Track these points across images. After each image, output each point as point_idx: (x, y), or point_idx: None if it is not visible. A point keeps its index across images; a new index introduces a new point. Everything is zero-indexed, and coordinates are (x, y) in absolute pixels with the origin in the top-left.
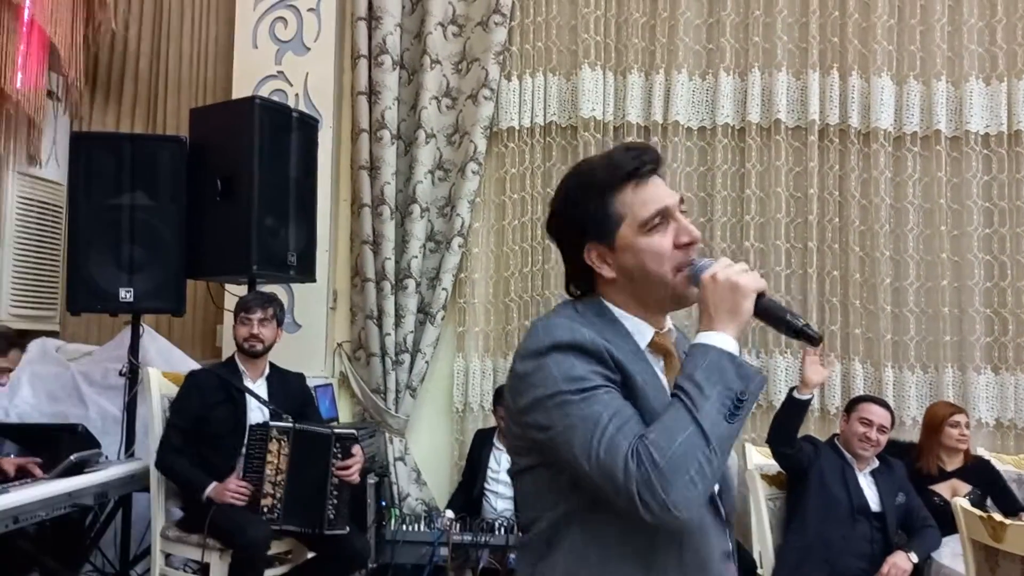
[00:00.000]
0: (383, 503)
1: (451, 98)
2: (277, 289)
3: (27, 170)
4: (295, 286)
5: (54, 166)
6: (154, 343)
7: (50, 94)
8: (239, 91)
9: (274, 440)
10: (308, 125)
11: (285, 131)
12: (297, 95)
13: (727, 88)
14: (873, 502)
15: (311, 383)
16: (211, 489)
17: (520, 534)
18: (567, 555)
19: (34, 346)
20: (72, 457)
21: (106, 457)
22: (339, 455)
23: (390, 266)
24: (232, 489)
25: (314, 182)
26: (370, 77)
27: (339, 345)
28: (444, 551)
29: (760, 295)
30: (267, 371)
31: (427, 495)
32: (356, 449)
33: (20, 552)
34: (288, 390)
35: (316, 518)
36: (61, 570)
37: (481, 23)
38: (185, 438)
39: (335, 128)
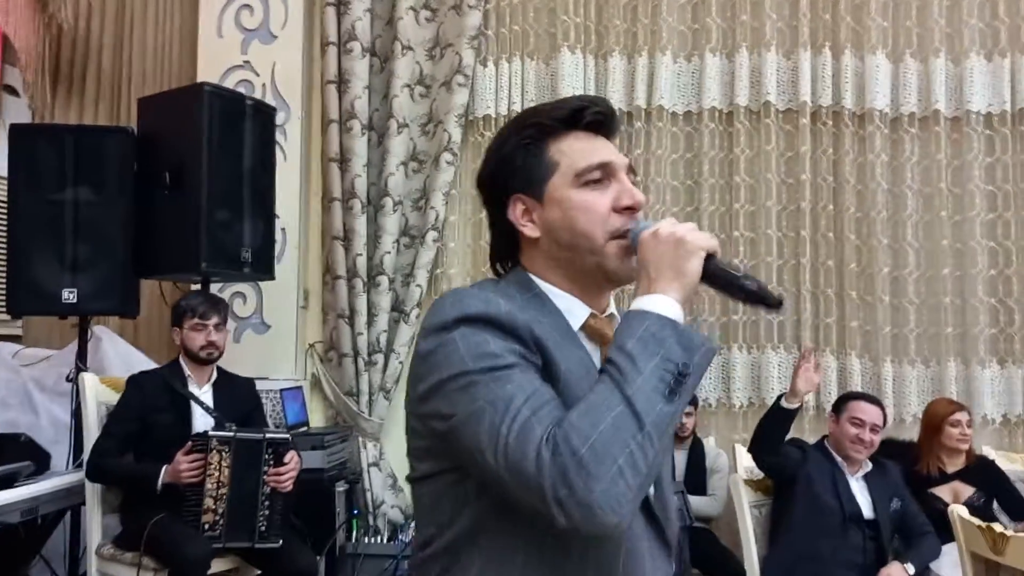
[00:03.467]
0: (355, 511)
1: (424, 86)
2: (244, 288)
3: None
4: (264, 285)
5: None
6: (114, 346)
7: (8, 88)
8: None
9: (215, 451)
10: (264, 113)
11: (238, 120)
12: (264, 85)
13: (713, 70)
14: (866, 509)
15: (280, 385)
16: (164, 473)
17: (416, 552)
18: (475, 572)
19: None
20: None
21: (64, 466)
22: (271, 462)
23: (362, 262)
24: (184, 466)
25: (272, 174)
26: (340, 65)
27: (311, 346)
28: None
29: (710, 256)
30: (214, 376)
31: (403, 501)
32: (290, 455)
33: None
34: (236, 396)
35: (249, 531)
36: None
37: (455, 7)
38: (125, 446)
39: (304, 119)
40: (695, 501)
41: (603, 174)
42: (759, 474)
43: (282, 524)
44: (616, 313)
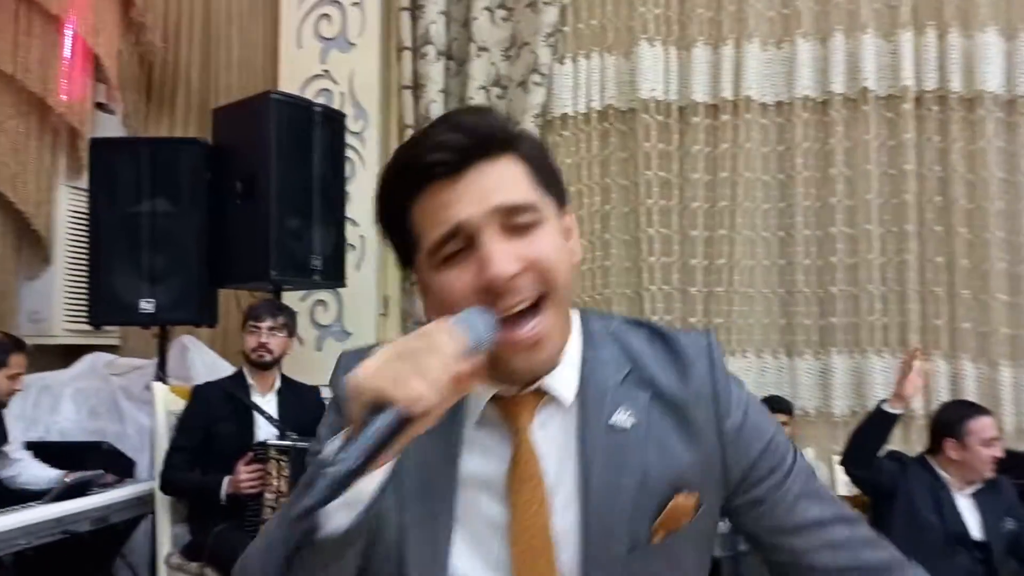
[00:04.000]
0: None
1: (501, 87)
2: (325, 296)
3: (75, 182)
4: (344, 293)
5: None
6: (201, 356)
7: (102, 106)
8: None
9: (273, 461)
10: (334, 121)
11: (307, 127)
12: (343, 93)
13: (805, 56)
14: (975, 529)
15: None
16: (227, 484)
17: None
18: None
19: (83, 361)
20: (67, 479)
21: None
22: None
23: None
24: (243, 476)
25: (342, 181)
26: (415, 70)
27: None
28: None
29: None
30: (278, 384)
31: None
32: None
33: None
34: (300, 404)
35: None
36: None
37: (530, 4)
38: (191, 457)
39: (382, 125)
40: None
41: (462, 242)
42: (857, 490)
43: None
44: (559, 388)
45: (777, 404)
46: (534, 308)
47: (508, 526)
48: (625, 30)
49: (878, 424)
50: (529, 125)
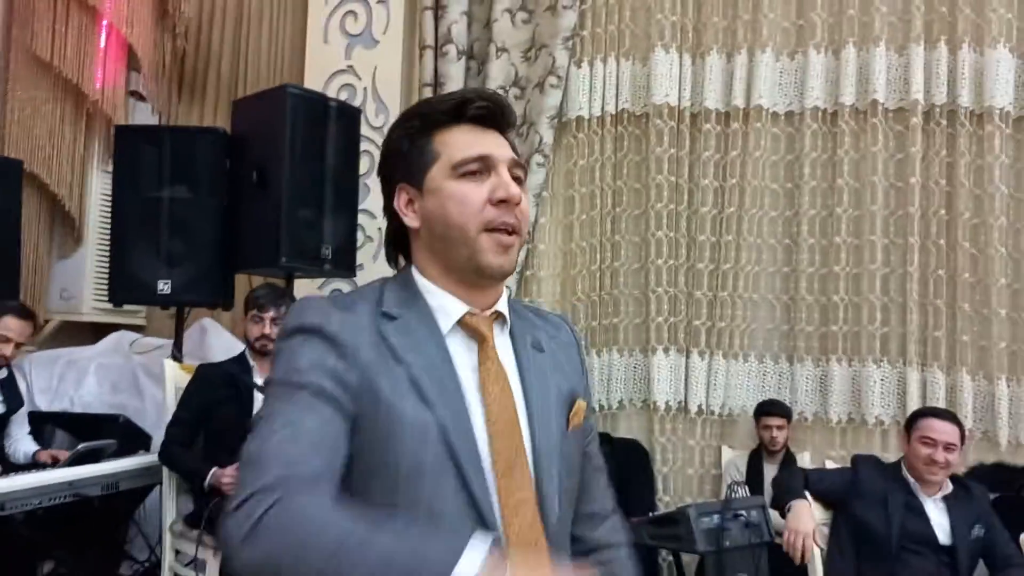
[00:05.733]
0: None
1: (519, 87)
2: (341, 285)
3: (107, 167)
4: (360, 282)
5: None
6: (218, 338)
7: (135, 94)
8: (310, 87)
9: None
10: (348, 115)
11: (322, 121)
12: (366, 89)
13: (817, 67)
14: (942, 534)
15: None
16: (211, 476)
17: None
18: None
19: (108, 339)
20: (80, 447)
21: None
22: None
23: None
24: (229, 475)
25: (356, 174)
26: (436, 68)
27: None
28: None
29: None
30: None
31: None
32: None
33: (29, 540)
34: None
35: None
36: (68, 558)
37: (550, 7)
38: (191, 432)
39: None
40: (779, 519)
41: (482, 166)
42: None
43: None
44: (504, 311)
45: (776, 408)
46: (512, 232)
47: (485, 412)
48: (642, 36)
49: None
50: (545, 126)
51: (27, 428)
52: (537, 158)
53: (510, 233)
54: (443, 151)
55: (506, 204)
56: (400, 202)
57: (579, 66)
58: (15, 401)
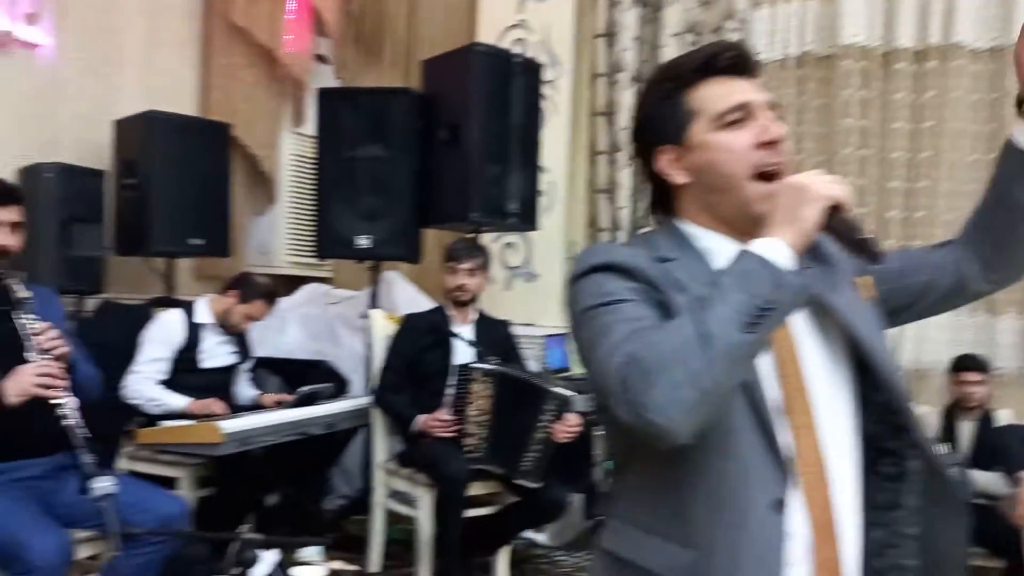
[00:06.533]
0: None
1: (695, 33)
2: (514, 239)
3: (297, 128)
4: (533, 236)
5: None
6: (403, 290)
7: (320, 58)
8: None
9: (478, 381)
10: (532, 71)
11: (507, 77)
12: (538, 42)
13: None
14: None
15: (545, 332)
16: (419, 421)
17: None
18: (623, 510)
19: (304, 290)
20: (302, 389)
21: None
22: (552, 412)
23: (625, 215)
24: (437, 420)
25: (537, 129)
26: (609, 18)
27: None
28: None
29: (836, 208)
30: (474, 317)
31: None
32: (573, 415)
33: (260, 474)
34: (494, 336)
35: (513, 463)
36: (291, 491)
37: None
38: (400, 377)
39: (574, 73)
40: (982, 477)
41: (742, 114)
42: None
43: (546, 468)
44: None
45: (972, 363)
46: (778, 173)
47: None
48: None
49: None
50: None
51: (249, 375)
52: None
53: (775, 176)
54: (701, 106)
55: (772, 145)
56: (661, 163)
57: (759, 7)
58: (245, 354)
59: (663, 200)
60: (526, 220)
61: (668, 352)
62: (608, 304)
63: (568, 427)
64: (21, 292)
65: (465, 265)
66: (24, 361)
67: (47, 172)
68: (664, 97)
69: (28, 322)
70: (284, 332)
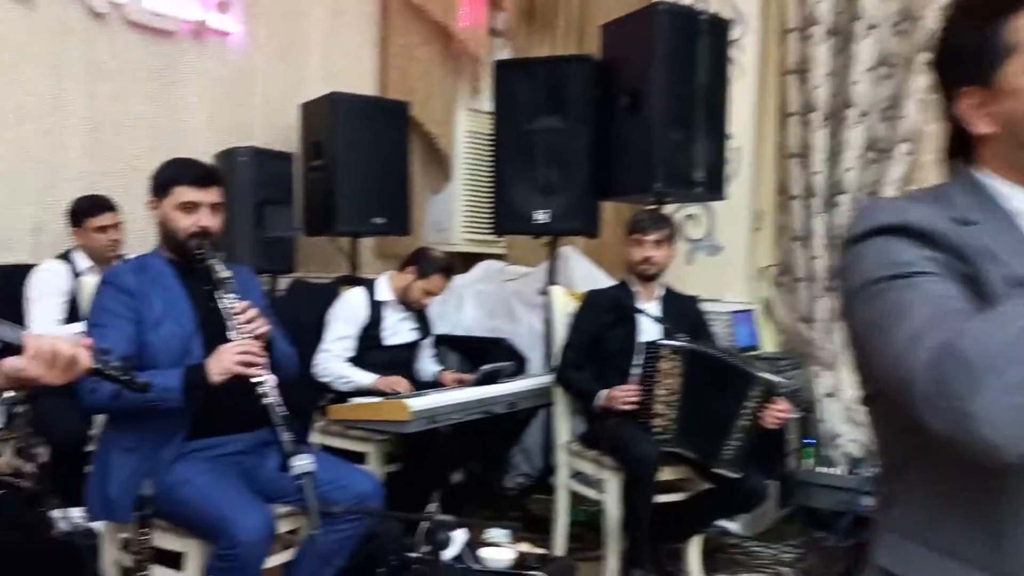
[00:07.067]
0: (810, 440)
1: None
2: (696, 210)
3: (472, 104)
4: (716, 206)
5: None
6: (579, 265)
7: (494, 31)
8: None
9: (667, 359)
10: (719, 28)
11: (693, 37)
12: None
13: None
14: None
15: (731, 308)
16: (602, 396)
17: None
18: (902, 523)
19: (480, 267)
20: (483, 367)
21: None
22: (757, 399)
23: (820, 180)
24: (622, 392)
25: (725, 91)
26: None
27: (763, 269)
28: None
29: None
30: (660, 292)
31: (864, 435)
32: (781, 401)
33: (447, 451)
34: (682, 312)
35: (710, 450)
36: (476, 468)
37: None
38: (582, 356)
39: (761, 30)
40: None
41: None
42: None
43: (747, 457)
44: None
45: None
46: None
47: None
48: None
49: None
50: (933, 20)
51: (432, 351)
52: (923, 57)
53: None
54: (1021, 40)
55: None
56: (961, 106)
57: None
58: (426, 331)
59: (961, 145)
60: (713, 189)
61: (999, 346)
62: (903, 277)
63: (779, 412)
64: (223, 272)
65: (651, 237)
66: (226, 340)
67: (241, 156)
68: (973, 24)
69: (229, 302)
70: (462, 309)
